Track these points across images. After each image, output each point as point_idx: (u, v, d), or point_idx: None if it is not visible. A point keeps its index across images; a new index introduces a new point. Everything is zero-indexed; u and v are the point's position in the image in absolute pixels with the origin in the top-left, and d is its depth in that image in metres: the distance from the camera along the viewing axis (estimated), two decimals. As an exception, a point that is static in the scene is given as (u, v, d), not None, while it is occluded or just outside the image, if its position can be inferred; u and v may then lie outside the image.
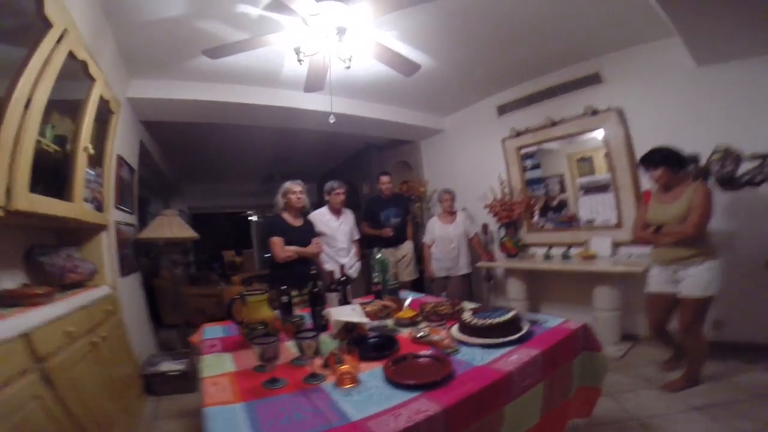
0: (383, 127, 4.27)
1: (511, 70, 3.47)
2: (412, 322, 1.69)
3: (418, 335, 1.47)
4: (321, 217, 3.24)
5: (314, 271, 2.04)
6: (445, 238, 3.64)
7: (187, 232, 3.26)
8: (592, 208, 3.37)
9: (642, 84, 3.01)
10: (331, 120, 2.91)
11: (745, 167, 2.53)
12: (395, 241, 3.84)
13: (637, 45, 2.96)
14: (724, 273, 2.18)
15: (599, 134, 3.24)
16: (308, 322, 1.73)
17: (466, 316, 1.48)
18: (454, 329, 1.48)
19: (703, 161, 2.70)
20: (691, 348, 2.20)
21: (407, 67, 2.59)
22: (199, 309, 4.13)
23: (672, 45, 2.65)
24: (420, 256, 3.96)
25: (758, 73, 2.52)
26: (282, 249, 2.63)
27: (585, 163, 3.41)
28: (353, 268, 3.27)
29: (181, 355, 2.77)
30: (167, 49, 2.59)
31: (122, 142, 2.75)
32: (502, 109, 3.98)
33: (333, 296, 1.94)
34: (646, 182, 2.95)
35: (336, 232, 3.24)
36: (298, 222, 2.79)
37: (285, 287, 1.83)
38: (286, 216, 2.75)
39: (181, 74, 2.96)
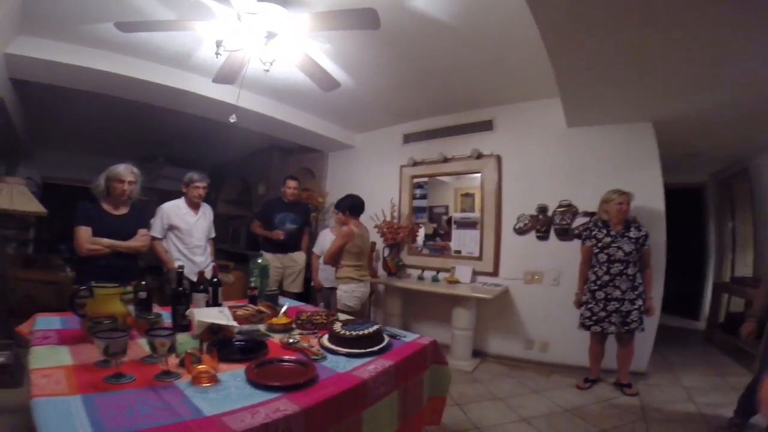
0: (293, 131, 4.22)
1: (419, 105, 3.81)
2: (286, 329, 1.72)
3: (290, 341, 1.52)
4: (176, 210, 2.93)
5: (169, 270, 1.86)
6: (334, 250, 3.73)
7: (31, 204, 2.74)
8: (461, 240, 3.83)
9: (522, 136, 3.54)
10: (232, 119, 2.78)
11: (579, 221, 3.23)
12: (286, 248, 3.79)
13: (526, 101, 3.49)
14: (555, 305, 2.71)
15: (480, 176, 3.73)
16: (166, 321, 1.61)
17: (337, 326, 1.58)
18: (325, 338, 1.56)
19: (550, 212, 3.35)
20: None
21: (328, 82, 2.63)
22: (28, 296, 3.42)
23: (553, 105, 3.15)
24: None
25: (614, 138, 3.17)
26: (87, 240, 2.25)
27: (468, 199, 3.89)
28: (207, 268, 3.00)
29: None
30: (73, 10, 2.23)
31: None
32: (407, 138, 4.30)
33: (200, 297, 1.84)
34: (508, 225, 3.52)
35: (192, 228, 2.95)
36: (120, 210, 2.43)
37: (91, 283, 1.46)
38: (105, 203, 2.39)
39: (79, 38, 2.56)
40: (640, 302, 2.62)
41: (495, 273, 3.54)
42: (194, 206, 3.01)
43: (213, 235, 3.21)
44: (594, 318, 2.71)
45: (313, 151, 5.15)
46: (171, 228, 2.87)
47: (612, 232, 2.69)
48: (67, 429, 0.81)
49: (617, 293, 2.63)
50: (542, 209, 3.40)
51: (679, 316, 4.91)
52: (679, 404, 2.57)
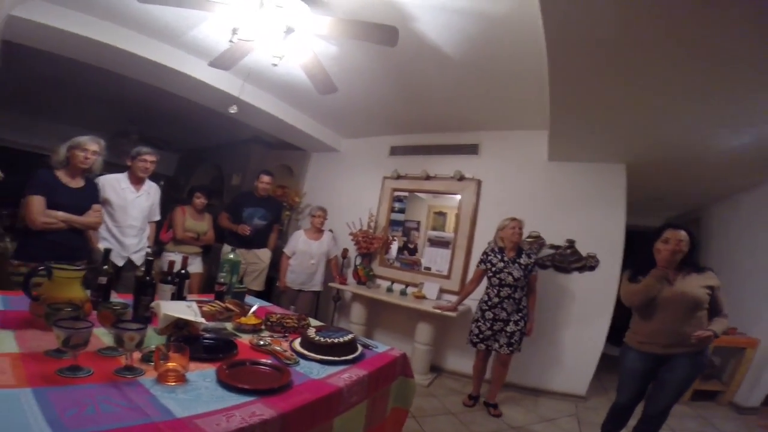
0: (280, 126, 4.12)
1: (410, 120, 3.86)
2: (255, 330, 1.65)
3: (260, 343, 1.46)
4: (114, 183, 2.64)
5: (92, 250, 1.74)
6: (306, 253, 3.66)
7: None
8: (432, 258, 3.88)
9: (504, 163, 3.66)
10: (232, 110, 2.69)
11: (544, 252, 3.37)
12: (251, 244, 3.67)
13: (512, 130, 3.61)
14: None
15: (458, 197, 3.80)
16: (130, 311, 1.51)
17: (311, 332, 1.54)
18: (297, 343, 1.52)
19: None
20: None
21: (327, 86, 2.60)
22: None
23: (536, 137, 3.31)
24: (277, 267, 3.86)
25: (588, 176, 3.35)
26: (40, 213, 2.06)
27: (440, 218, 3.95)
28: (139, 253, 2.74)
29: None
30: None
31: None
32: (394, 150, 4.32)
33: (166, 288, 1.73)
34: (479, 248, 3.59)
35: (129, 206, 2.68)
36: (76, 183, 2.26)
37: (50, 264, 1.32)
38: (62, 173, 2.21)
39: (68, 1, 2.38)
40: (522, 324, 2.77)
41: (461, 292, 3.58)
42: (137, 182, 2.75)
43: (156, 217, 2.97)
44: (481, 336, 2.82)
45: (295, 149, 5.06)
46: (104, 202, 2.55)
47: (505, 258, 2.81)
48: (18, 427, 0.72)
49: (503, 315, 2.77)
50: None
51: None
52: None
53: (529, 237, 3.40)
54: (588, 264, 3.25)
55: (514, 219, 2.86)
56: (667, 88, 2.01)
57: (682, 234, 1.97)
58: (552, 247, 3.37)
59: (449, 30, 2.22)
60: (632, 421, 2.18)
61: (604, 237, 3.24)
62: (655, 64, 1.81)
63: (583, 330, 3.24)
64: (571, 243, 3.31)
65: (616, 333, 2.32)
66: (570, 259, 3.29)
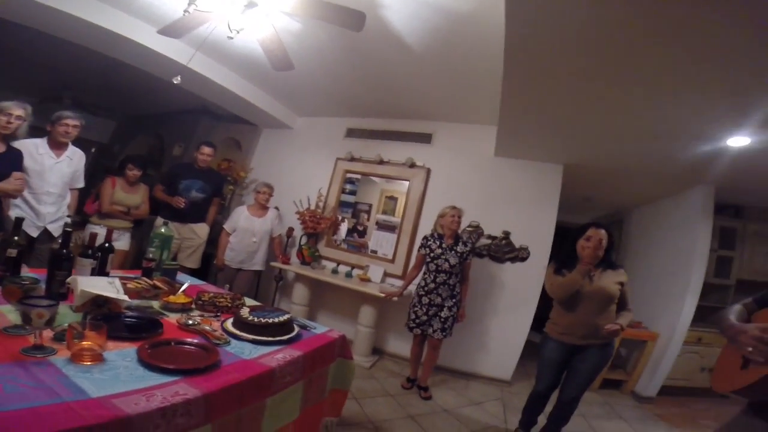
0: (231, 98, 3.90)
1: (368, 103, 3.84)
2: (184, 309, 1.60)
3: (189, 323, 1.42)
4: (31, 147, 2.43)
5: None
6: (248, 231, 3.55)
7: None
8: (379, 241, 3.95)
9: (453, 154, 3.77)
10: (176, 81, 2.51)
11: (482, 242, 3.56)
12: (187, 217, 3.48)
13: (464, 123, 3.72)
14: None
15: (408, 183, 3.88)
16: (42, 287, 1.39)
17: (244, 312, 1.52)
18: (229, 322, 1.49)
19: (460, 230, 3.60)
20: None
21: (284, 63, 2.50)
22: None
23: (486, 132, 3.42)
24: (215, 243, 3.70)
25: (528, 173, 3.55)
26: None
27: (391, 202, 4.00)
28: (56, 223, 2.55)
29: None
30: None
31: None
32: (350, 132, 4.28)
33: (86, 262, 1.61)
34: (425, 231, 3.71)
35: (47, 172, 2.49)
36: None
37: None
38: None
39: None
40: (455, 310, 2.90)
41: (403, 276, 3.69)
42: (58, 147, 2.56)
43: (80, 185, 2.77)
44: (417, 321, 2.93)
45: (246, 123, 4.83)
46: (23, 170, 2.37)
47: (443, 245, 2.90)
48: None
49: (438, 300, 2.88)
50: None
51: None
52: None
53: (469, 226, 3.57)
54: (520, 255, 3.48)
55: (454, 207, 2.95)
56: (605, 102, 2.20)
57: (603, 233, 2.15)
58: (489, 237, 3.56)
59: (416, 20, 2.24)
60: (548, 407, 2.38)
61: (536, 231, 3.48)
62: (596, 81, 1.97)
63: (511, 317, 3.48)
64: (506, 234, 3.52)
65: (541, 322, 2.50)
66: (504, 250, 3.51)
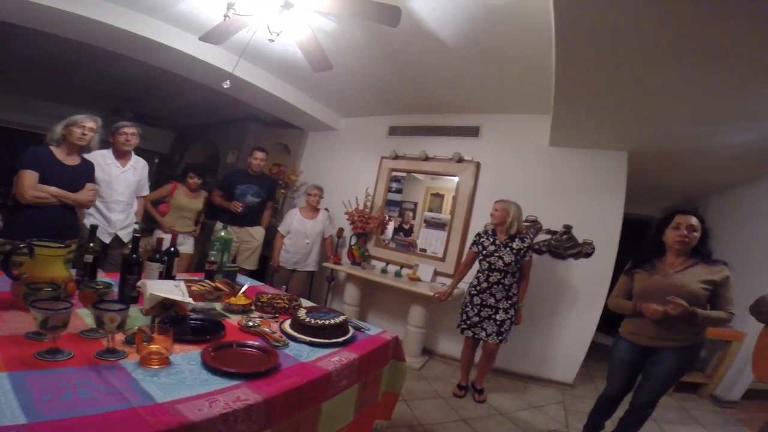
0: (277, 104, 4.00)
1: (410, 100, 3.76)
2: (244, 310, 1.63)
3: (249, 324, 1.44)
4: (99, 159, 2.56)
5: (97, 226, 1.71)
6: (301, 233, 3.63)
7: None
8: (428, 239, 3.86)
9: (504, 147, 3.59)
10: (225, 85, 2.60)
11: (540, 237, 3.35)
12: (244, 221, 3.63)
13: (513, 114, 3.52)
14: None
15: (456, 179, 3.75)
16: (115, 291, 1.47)
17: (301, 313, 1.51)
18: (287, 324, 1.50)
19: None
20: None
21: (322, 64, 2.51)
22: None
23: (538, 121, 3.25)
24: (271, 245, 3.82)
25: (590, 162, 3.28)
26: (31, 186, 2.03)
27: (437, 199, 3.90)
28: (126, 229, 2.71)
29: None
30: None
31: None
32: (393, 130, 4.23)
33: (154, 266, 1.68)
34: (475, 231, 3.57)
35: (114, 181, 2.64)
36: (72, 161, 2.23)
37: (32, 241, 1.28)
38: (57, 150, 2.18)
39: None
40: (512, 312, 2.70)
41: (454, 275, 3.58)
42: (122, 156, 2.71)
43: (145, 192, 2.94)
44: (468, 322, 2.76)
45: (292, 128, 4.95)
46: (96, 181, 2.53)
47: (497, 242, 2.73)
48: (-10, 413, 0.69)
49: (491, 301, 2.69)
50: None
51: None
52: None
53: (526, 221, 3.37)
54: (584, 251, 3.23)
55: (498, 201, 2.79)
56: (670, 82, 1.95)
57: (693, 219, 1.89)
58: (548, 232, 3.34)
59: (452, 9, 2.14)
60: (620, 412, 2.19)
61: (601, 224, 3.21)
62: (660, 57, 1.75)
63: (574, 318, 3.25)
64: (568, 229, 3.28)
65: (608, 322, 2.29)
66: (566, 245, 3.28)
